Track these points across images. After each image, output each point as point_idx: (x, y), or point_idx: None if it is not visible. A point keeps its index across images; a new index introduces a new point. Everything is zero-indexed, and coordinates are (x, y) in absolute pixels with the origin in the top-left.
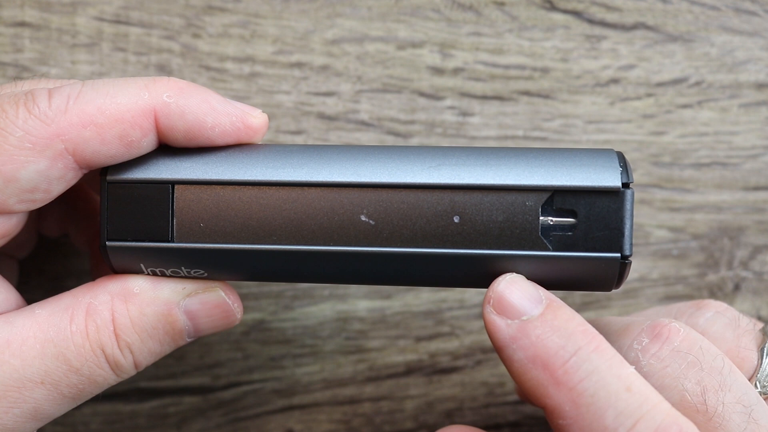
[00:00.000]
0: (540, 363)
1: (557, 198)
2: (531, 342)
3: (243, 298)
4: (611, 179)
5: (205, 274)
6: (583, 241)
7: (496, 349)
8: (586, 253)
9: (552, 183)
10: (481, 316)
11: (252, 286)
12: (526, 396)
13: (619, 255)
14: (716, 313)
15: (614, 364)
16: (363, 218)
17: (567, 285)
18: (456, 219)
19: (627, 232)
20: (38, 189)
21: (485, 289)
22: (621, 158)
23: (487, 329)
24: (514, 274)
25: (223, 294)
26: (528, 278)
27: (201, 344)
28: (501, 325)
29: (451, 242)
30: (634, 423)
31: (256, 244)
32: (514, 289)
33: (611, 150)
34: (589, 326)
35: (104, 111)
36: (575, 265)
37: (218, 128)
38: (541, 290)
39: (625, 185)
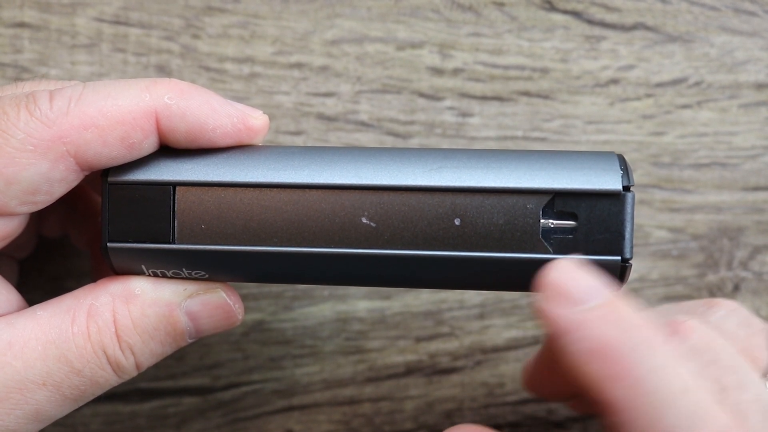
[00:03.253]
0: (599, 356)
1: (558, 201)
2: (589, 334)
3: (242, 298)
4: (612, 182)
5: (207, 276)
6: (583, 244)
7: (551, 339)
8: (587, 256)
9: (553, 186)
10: (535, 305)
11: (252, 287)
12: (570, 390)
13: (619, 258)
14: (728, 311)
15: (674, 362)
16: (364, 220)
17: None
18: (457, 221)
19: (628, 236)
20: (40, 191)
21: (484, 291)
22: (622, 161)
23: (542, 319)
24: (570, 259)
25: (224, 295)
26: (527, 281)
27: (201, 345)
28: (557, 314)
29: (452, 245)
30: (691, 426)
31: (258, 246)
32: (572, 277)
33: (612, 153)
34: (650, 319)
35: (105, 113)
36: None
37: (219, 130)
38: (600, 278)
39: (626, 188)
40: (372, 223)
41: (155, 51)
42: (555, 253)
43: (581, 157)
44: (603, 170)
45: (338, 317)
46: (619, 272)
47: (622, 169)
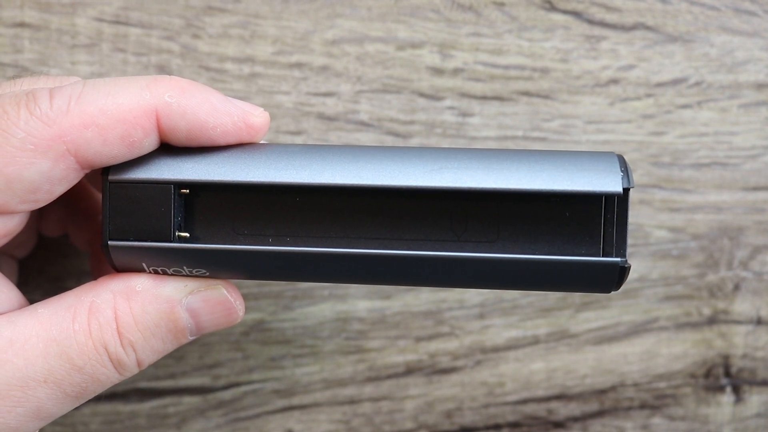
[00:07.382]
0: None
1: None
2: None
3: (243, 298)
4: (613, 184)
5: (207, 273)
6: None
7: None
8: (585, 258)
9: (553, 187)
10: None
11: (252, 287)
12: None
13: (618, 259)
14: None
15: None
16: None
17: (566, 287)
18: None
19: (626, 236)
20: (40, 190)
21: (484, 291)
22: (622, 162)
23: None
24: None
25: (225, 291)
26: (527, 281)
27: (201, 344)
28: None
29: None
30: None
31: (259, 245)
32: None
33: (612, 153)
34: None
35: (106, 111)
36: (573, 269)
37: (220, 128)
38: None
39: (626, 190)
40: None
41: (155, 51)
42: (553, 254)
43: (581, 158)
44: (603, 172)
45: (338, 317)
46: (618, 273)
47: (622, 171)
